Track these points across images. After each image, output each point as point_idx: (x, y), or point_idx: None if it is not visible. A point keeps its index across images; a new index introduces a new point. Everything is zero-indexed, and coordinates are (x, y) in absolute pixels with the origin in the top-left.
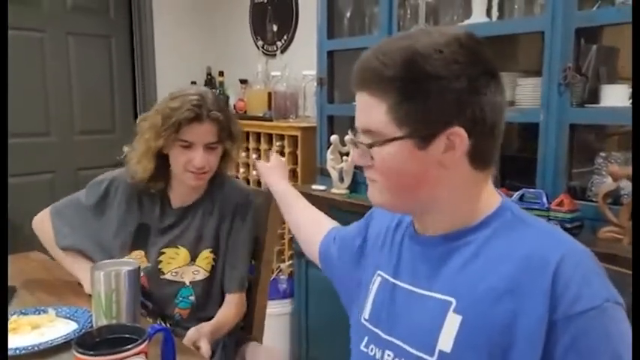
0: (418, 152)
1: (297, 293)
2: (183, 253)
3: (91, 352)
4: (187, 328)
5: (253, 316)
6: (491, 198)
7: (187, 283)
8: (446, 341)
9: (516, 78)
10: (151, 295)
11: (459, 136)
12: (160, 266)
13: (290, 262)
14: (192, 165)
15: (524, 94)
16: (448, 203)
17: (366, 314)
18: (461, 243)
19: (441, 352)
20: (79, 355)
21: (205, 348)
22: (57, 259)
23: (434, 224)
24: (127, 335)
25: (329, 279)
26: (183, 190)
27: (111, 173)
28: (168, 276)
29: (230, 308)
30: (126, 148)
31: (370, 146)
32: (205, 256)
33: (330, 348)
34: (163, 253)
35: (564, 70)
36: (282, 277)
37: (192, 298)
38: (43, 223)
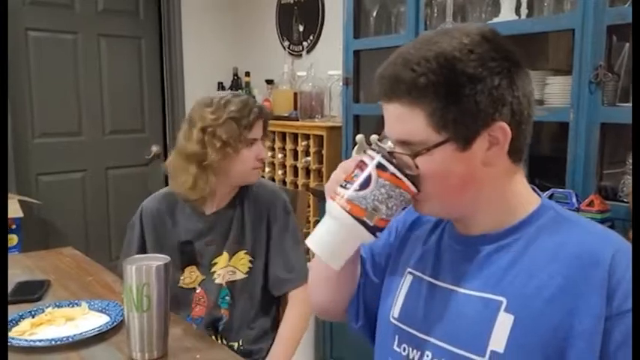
0: (460, 154)
1: None
2: (225, 256)
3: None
4: (233, 331)
5: (279, 316)
6: (530, 196)
7: (224, 284)
8: (498, 341)
9: (545, 77)
10: (207, 307)
11: (502, 131)
12: (214, 276)
13: None
14: (260, 159)
15: (553, 92)
16: (493, 201)
17: (395, 313)
18: (506, 242)
19: (493, 352)
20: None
21: None
22: None
23: (477, 224)
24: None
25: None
26: (222, 193)
27: (138, 211)
28: (217, 279)
29: (292, 308)
30: (154, 148)
31: (415, 156)
32: (241, 257)
33: (354, 347)
34: (215, 263)
35: (595, 69)
36: None
37: (227, 298)
38: None
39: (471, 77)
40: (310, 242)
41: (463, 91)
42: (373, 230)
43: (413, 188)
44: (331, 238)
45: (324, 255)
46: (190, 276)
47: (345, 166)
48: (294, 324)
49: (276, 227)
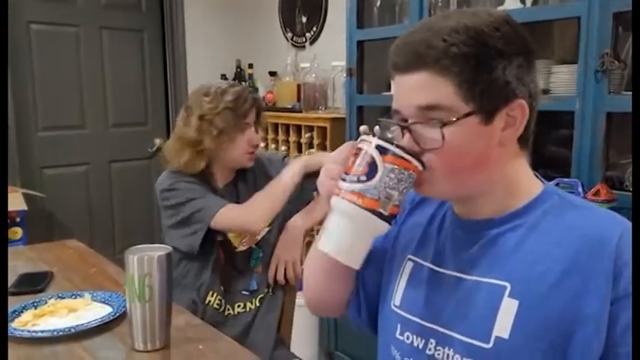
0: (483, 129)
1: None
2: None
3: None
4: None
5: (283, 310)
6: (533, 181)
7: (253, 246)
8: (503, 327)
9: (551, 66)
10: (232, 273)
11: (521, 109)
12: (230, 240)
13: None
14: (252, 144)
15: (559, 81)
16: (498, 184)
17: (396, 301)
18: (509, 226)
19: (497, 338)
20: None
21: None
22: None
23: (480, 208)
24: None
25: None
26: (225, 172)
27: (159, 190)
28: (240, 247)
29: None
30: (157, 140)
31: (444, 125)
32: None
33: (359, 340)
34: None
35: (601, 57)
36: None
37: (260, 254)
38: (222, 217)
39: (499, 52)
40: (324, 246)
41: (492, 64)
42: (389, 219)
43: (419, 165)
44: (346, 237)
45: (341, 256)
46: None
47: (337, 159)
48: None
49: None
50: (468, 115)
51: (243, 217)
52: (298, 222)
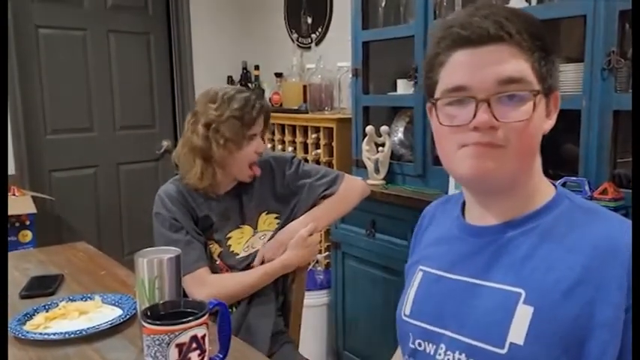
0: (544, 111)
1: (334, 284)
2: (247, 229)
3: (158, 322)
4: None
5: (290, 307)
6: (546, 184)
7: (260, 248)
8: (518, 334)
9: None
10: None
11: (556, 101)
12: (231, 249)
13: (327, 253)
14: (257, 153)
15: (565, 80)
16: (523, 181)
17: (407, 310)
18: (522, 231)
19: (512, 344)
20: (148, 326)
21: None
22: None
23: (498, 211)
24: (189, 309)
25: (365, 271)
26: (227, 181)
27: (158, 200)
28: (242, 253)
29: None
30: (165, 143)
31: (536, 94)
32: (264, 219)
33: (367, 339)
34: (230, 237)
35: (608, 55)
36: (318, 268)
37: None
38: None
39: (552, 42)
40: None
41: (552, 49)
42: None
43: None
44: None
45: None
46: (211, 249)
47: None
48: (339, 194)
49: (289, 174)
50: (542, 93)
51: (196, 291)
52: (293, 225)
